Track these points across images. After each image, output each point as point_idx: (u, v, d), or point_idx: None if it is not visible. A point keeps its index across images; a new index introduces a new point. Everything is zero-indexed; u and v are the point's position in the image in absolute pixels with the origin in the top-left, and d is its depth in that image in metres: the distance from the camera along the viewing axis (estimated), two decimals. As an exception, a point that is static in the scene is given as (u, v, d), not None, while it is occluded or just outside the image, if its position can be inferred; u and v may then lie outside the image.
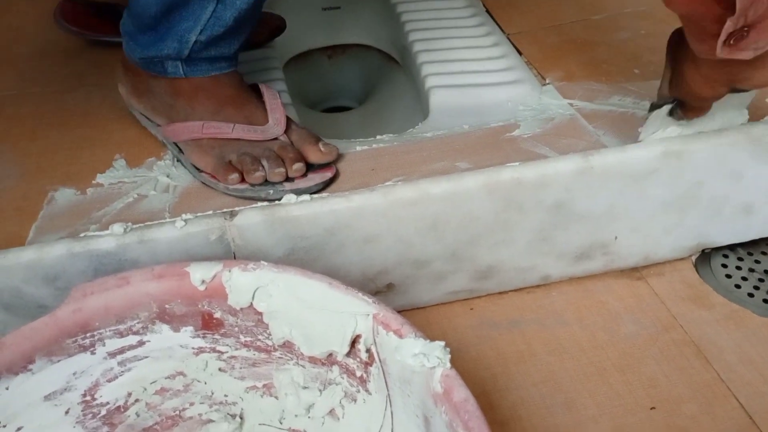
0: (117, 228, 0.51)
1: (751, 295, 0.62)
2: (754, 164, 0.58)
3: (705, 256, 0.66)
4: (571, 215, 0.57)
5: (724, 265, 0.65)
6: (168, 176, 0.60)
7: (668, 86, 0.55)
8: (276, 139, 0.56)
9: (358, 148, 0.63)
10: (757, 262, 0.65)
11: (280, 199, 0.53)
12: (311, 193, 0.55)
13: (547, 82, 0.71)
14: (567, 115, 0.65)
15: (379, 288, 0.59)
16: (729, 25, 0.37)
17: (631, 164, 0.56)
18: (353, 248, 0.55)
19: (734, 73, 0.45)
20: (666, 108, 0.57)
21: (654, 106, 0.58)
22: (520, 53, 0.77)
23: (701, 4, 0.38)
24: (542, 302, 0.62)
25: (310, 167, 0.57)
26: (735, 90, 0.50)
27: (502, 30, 0.82)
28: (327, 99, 1.10)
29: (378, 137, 0.66)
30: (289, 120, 0.58)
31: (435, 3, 0.89)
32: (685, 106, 0.55)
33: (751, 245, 0.67)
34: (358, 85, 1.06)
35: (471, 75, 0.74)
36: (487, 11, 0.86)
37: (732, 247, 0.66)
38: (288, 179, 0.55)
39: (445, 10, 0.87)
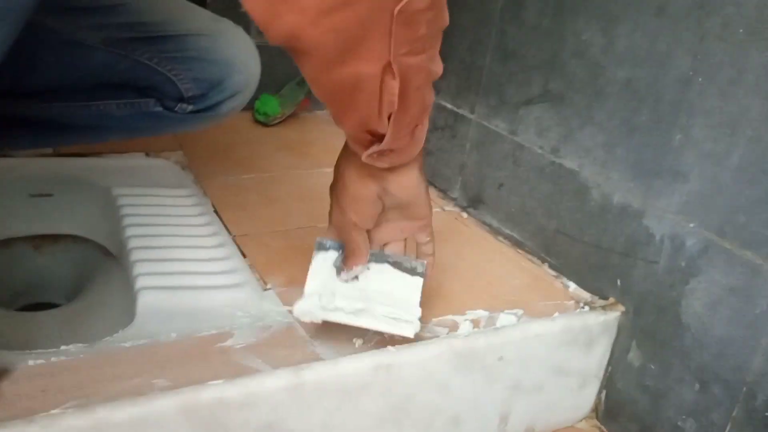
0: None
1: None
2: (457, 375, 0.60)
3: (424, 471, 0.64)
4: (282, 437, 0.52)
5: (442, 479, 0.64)
6: None
7: (330, 216, 0.61)
8: None
9: (31, 362, 0.51)
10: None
11: None
12: (-60, 429, 0.42)
13: (269, 287, 0.69)
14: (285, 323, 0.62)
15: None
16: (375, 148, 0.51)
17: (343, 378, 0.54)
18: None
19: (378, 175, 0.55)
20: (331, 256, 0.60)
21: (319, 246, 0.61)
22: (244, 256, 0.75)
23: (360, 132, 0.51)
24: None
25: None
26: (385, 194, 0.56)
27: (229, 231, 0.80)
28: (30, 294, 0.94)
29: (62, 347, 0.55)
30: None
31: (161, 199, 0.85)
32: (347, 251, 0.59)
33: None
34: (68, 280, 0.93)
35: (188, 276, 0.69)
36: (216, 212, 0.84)
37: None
38: None
39: (170, 207, 0.83)
